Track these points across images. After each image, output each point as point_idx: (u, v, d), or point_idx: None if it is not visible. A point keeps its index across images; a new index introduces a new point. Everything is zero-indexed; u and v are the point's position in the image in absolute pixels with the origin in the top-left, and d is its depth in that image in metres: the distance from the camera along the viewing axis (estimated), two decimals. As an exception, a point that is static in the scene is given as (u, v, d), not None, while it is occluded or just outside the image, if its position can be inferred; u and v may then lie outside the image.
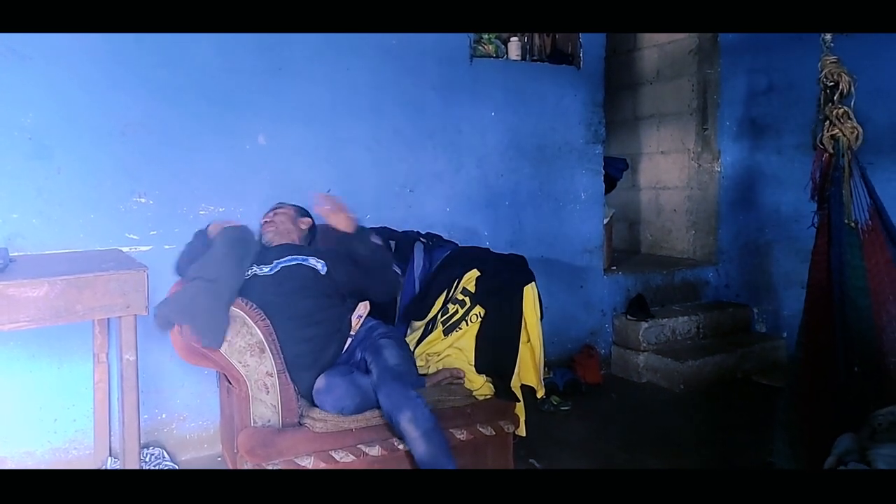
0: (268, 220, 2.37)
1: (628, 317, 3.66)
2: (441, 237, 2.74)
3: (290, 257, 2.19)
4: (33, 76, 2.27)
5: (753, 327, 3.92)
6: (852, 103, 1.96)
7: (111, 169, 2.41)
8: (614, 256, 4.02)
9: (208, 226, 2.24)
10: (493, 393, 2.24)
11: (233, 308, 1.92)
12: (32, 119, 2.27)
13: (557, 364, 3.44)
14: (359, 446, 1.99)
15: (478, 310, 2.28)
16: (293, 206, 2.45)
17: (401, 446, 2.02)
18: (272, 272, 2.13)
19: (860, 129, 1.95)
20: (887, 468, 1.37)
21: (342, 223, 2.24)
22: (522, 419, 2.33)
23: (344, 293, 2.24)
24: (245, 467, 1.96)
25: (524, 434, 2.36)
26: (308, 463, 1.93)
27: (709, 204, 4.18)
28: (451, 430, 2.09)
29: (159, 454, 2.44)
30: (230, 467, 2.27)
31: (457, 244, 2.69)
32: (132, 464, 1.86)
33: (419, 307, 2.44)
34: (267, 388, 1.95)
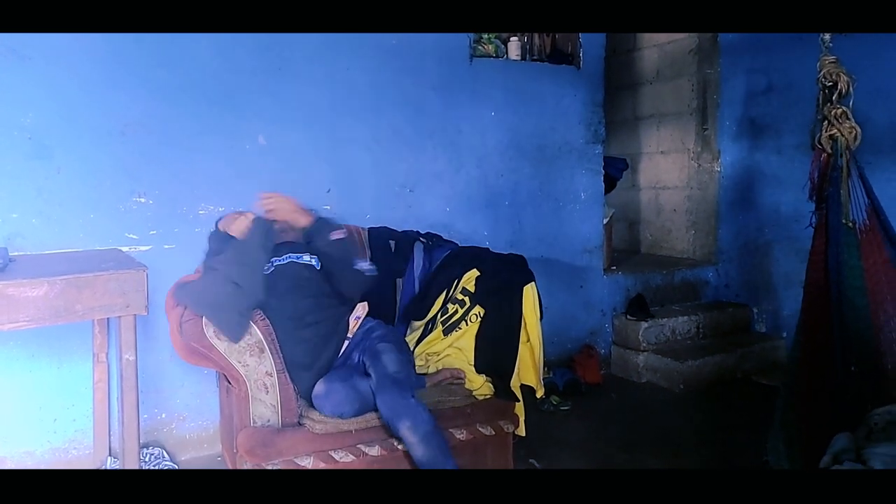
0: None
1: (628, 317, 3.66)
2: (441, 237, 2.74)
3: (285, 256, 2.19)
4: (33, 76, 2.27)
5: (753, 327, 3.92)
6: (851, 103, 1.96)
7: (111, 169, 2.41)
8: (614, 256, 4.02)
9: (219, 220, 2.20)
10: (492, 393, 2.25)
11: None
12: (32, 119, 2.27)
13: (557, 364, 3.44)
14: (358, 446, 1.99)
15: (477, 310, 2.29)
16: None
17: (400, 446, 2.02)
18: (267, 271, 2.13)
19: (858, 129, 1.95)
20: (883, 468, 1.37)
21: (295, 217, 2.16)
22: (522, 419, 2.33)
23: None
24: (245, 467, 1.96)
25: (524, 434, 2.36)
26: (308, 463, 1.93)
27: (708, 204, 4.18)
28: (450, 430, 2.09)
29: (159, 454, 2.44)
30: (230, 467, 2.27)
31: (457, 244, 2.69)
32: (132, 464, 1.86)
33: (419, 307, 2.44)
34: (266, 388, 1.95)
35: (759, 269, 3.86)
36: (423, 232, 2.75)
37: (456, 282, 2.36)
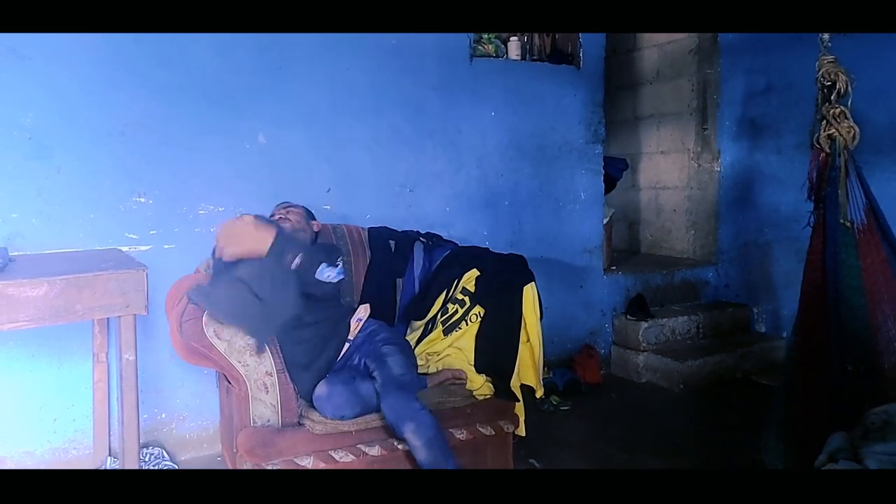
0: (281, 216, 2.30)
1: (628, 317, 3.66)
2: (441, 237, 2.74)
3: None
4: (33, 76, 2.27)
5: (753, 327, 3.92)
6: (849, 103, 1.97)
7: (111, 169, 2.41)
8: (614, 256, 4.02)
9: (214, 249, 1.98)
10: (492, 393, 2.25)
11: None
12: (32, 119, 2.27)
13: (557, 364, 3.44)
14: (358, 446, 1.99)
15: (477, 309, 2.29)
16: (302, 207, 2.39)
17: (400, 446, 2.03)
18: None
19: (857, 129, 1.95)
20: (878, 467, 1.38)
21: (251, 251, 1.86)
22: (522, 419, 2.33)
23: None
24: (244, 467, 1.96)
25: (524, 434, 2.36)
26: (308, 463, 1.93)
27: (708, 204, 4.18)
28: (450, 430, 2.10)
29: (159, 454, 2.44)
30: (230, 467, 2.27)
31: (456, 244, 2.69)
32: (131, 463, 1.86)
33: (419, 307, 2.44)
34: (266, 388, 1.95)
35: (759, 269, 3.87)
36: (423, 232, 2.75)
37: (456, 282, 2.36)
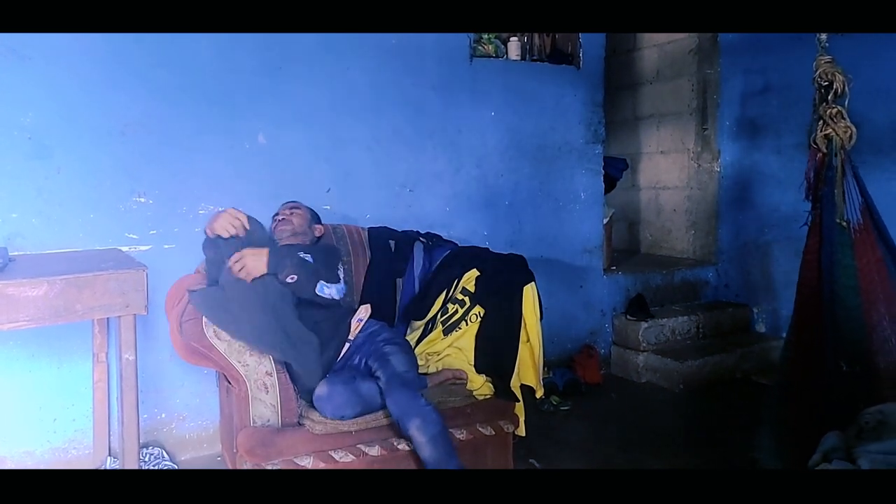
0: (284, 217, 2.31)
1: (628, 317, 3.66)
2: (441, 237, 2.74)
3: None
4: (33, 76, 2.27)
5: (753, 327, 3.92)
6: (846, 103, 1.97)
7: (111, 168, 2.41)
8: (614, 256, 4.02)
9: (206, 228, 2.04)
10: (492, 393, 2.25)
11: (232, 308, 1.91)
12: (32, 119, 2.27)
13: (557, 364, 3.44)
14: (358, 446, 1.99)
15: (477, 309, 2.29)
16: (309, 209, 2.39)
17: (400, 446, 2.03)
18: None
19: (853, 129, 1.96)
20: (871, 467, 1.38)
21: (252, 270, 1.92)
22: (522, 419, 2.33)
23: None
24: (244, 467, 1.96)
25: (524, 434, 2.36)
26: (307, 463, 1.93)
27: (708, 204, 4.18)
28: (451, 430, 2.09)
29: (158, 454, 2.44)
30: (230, 467, 2.27)
31: (456, 244, 2.69)
32: (131, 463, 1.86)
33: (419, 307, 2.44)
34: (266, 388, 1.95)
35: (759, 269, 3.87)
36: (423, 232, 2.75)
37: (456, 282, 2.36)
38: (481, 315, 2.28)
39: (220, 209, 2.03)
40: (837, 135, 1.95)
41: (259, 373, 1.93)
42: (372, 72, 2.92)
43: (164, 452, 2.46)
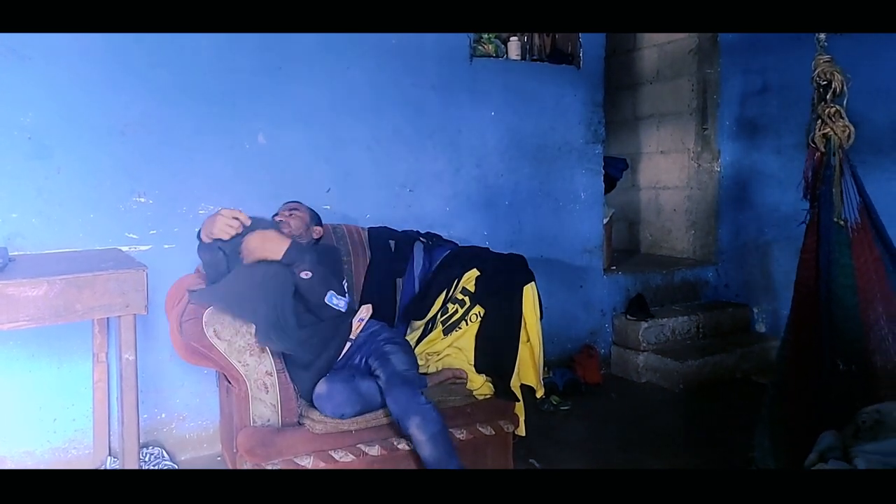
0: (282, 219, 2.29)
1: (628, 317, 3.66)
2: (441, 237, 2.74)
3: None
4: (33, 76, 2.27)
5: (753, 327, 3.92)
6: (845, 102, 1.97)
7: (111, 168, 2.41)
8: (614, 256, 4.02)
9: (199, 231, 2.00)
10: (492, 392, 2.25)
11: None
12: (32, 119, 2.27)
13: (557, 364, 3.44)
14: (358, 446, 1.99)
15: (477, 309, 2.29)
16: (309, 210, 2.38)
17: (400, 446, 2.03)
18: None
19: (852, 128, 1.96)
20: (867, 467, 1.38)
21: (267, 254, 1.95)
22: (522, 419, 2.33)
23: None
24: (244, 467, 1.96)
25: (524, 434, 2.36)
26: (307, 462, 1.93)
27: (708, 204, 4.18)
28: (451, 430, 2.09)
29: (158, 454, 2.44)
30: (230, 467, 2.27)
31: (456, 244, 2.69)
32: (131, 463, 1.86)
33: (419, 307, 2.44)
34: (266, 388, 1.95)
35: (759, 268, 3.86)
36: (423, 232, 2.75)
37: (456, 281, 2.36)
38: (481, 315, 2.28)
39: (219, 209, 2.00)
40: (836, 134, 1.95)
41: (259, 372, 1.93)
42: (372, 72, 2.92)
43: (164, 452, 2.46)
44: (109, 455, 2.38)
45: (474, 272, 2.34)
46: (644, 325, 3.57)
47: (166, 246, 2.50)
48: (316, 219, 2.38)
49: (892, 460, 1.39)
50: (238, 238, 1.94)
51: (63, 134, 2.32)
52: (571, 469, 2.41)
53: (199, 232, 1.98)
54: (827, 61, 1.97)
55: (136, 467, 1.88)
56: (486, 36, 3.34)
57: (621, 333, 3.69)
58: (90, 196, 2.38)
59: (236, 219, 1.90)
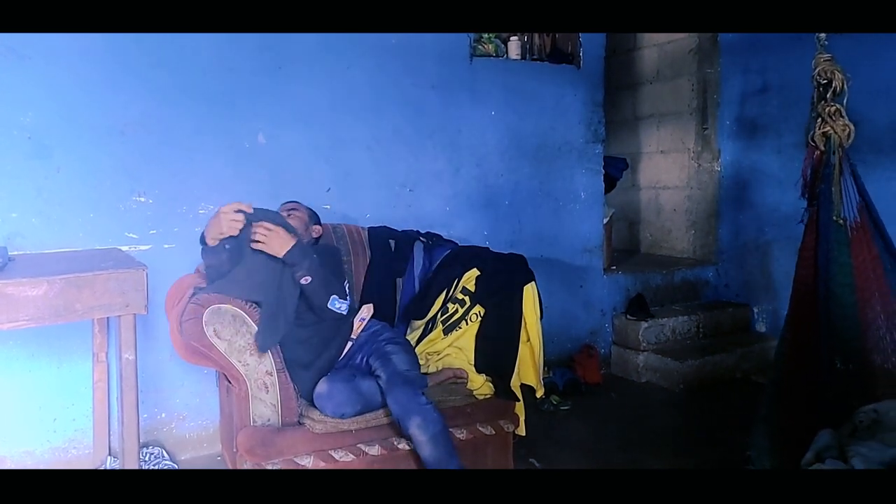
0: None
1: (628, 316, 3.66)
2: (441, 236, 2.74)
3: None
4: (33, 76, 2.27)
5: (753, 327, 3.92)
6: (845, 101, 1.97)
7: (111, 168, 2.41)
8: (614, 256, 4.02)
9: (202, 236, 1.95)
10: (492, 392, 2.25)
11: (233, 307, 1.91)
12: (32, 118, 2.27)
13: (557, 364, 3.44)
14: (358, 445, 1.99)
15: (478, 309, 2.29)
16: (308, 209, 2.36)
17: (400, 445, 2.03)
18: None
19: (852, 127, 1.96)
20: (864, 467, 1.38)
21: (275, 249, 1.94)
22: (522, 418, 2.33)
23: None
24: (244, 467, 1.96)
25: (524, 433, 2.36)
26: (308, 462, 1.93)
27: (708, 203, 4.18)
28: (451, 430, 2.09)
29: (158, 453, 2.44)
30: (230, 467, 2.27)
31: (456, 243, 2.69)
32: (131, 463, 1.86)
33: (419, 306, 2.44)
34: (266, 388, 1.95)
35: (759, 268, 3.86)
36: (423, 231, 2.75)
37: (456, 281, 2.36)
38: (481, 314, 2.28)
39: (218, 209, 1.97)
40: (836, 133, 1.95)
41: (259, 372, 1.93)
42: (372, 72, 2.92)
43: (164, 452, 2.46)
44: (109, 455, 2.38)
45: (474, 272, 2.34)
46: (644, 324, 3.57)
47: (166, 246, 2.50)
48: (315, 218, 2.37)
49: (889, 460, 1.39)
50: (246, 229, 1.91)
51: (63, 134, 2.32)
52: (571, 469, 2.41)
53: (203, 237, 1.93)
54: (827, 60, 1.97)
55: (136, 467, 1.88)
56: (486, 36, 3.34)
57: (621, 333, 3.69)
58: (90, 196, 2.38)
59: (239, 211, 1.88)
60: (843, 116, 1.96)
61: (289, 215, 2.27)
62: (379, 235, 2.67)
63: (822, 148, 1.99)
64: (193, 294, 1.92)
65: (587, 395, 3.26)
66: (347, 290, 2.16)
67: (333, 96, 2.84)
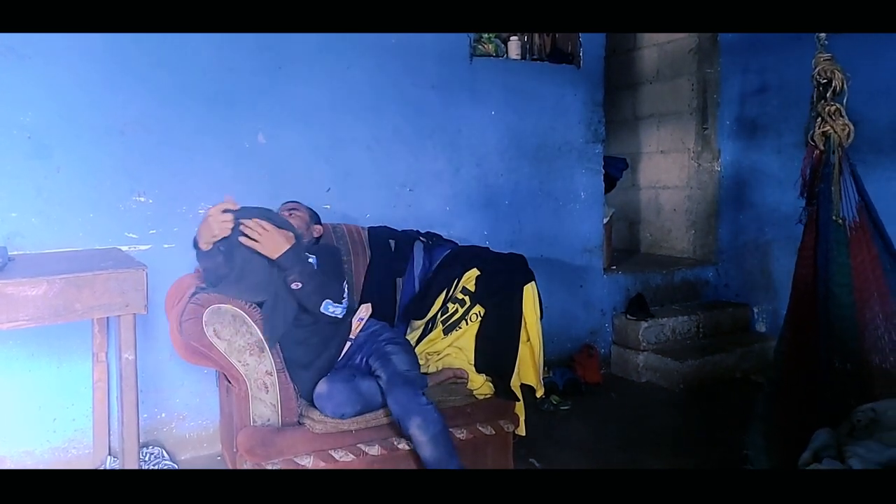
0: None
1: (628, 316, 3.66)
2: (441, 236, 2.74)
3: None
4: (32, 76, 2.27)
5: (753, 327, 3.92)
6: (845, 101, 1.97)
7: (110, 168, 2.41)
8: (614, 256, 4.02)
9: (195, 241, 1.94)
10: (492, 392, 2.25)
11: (232, 307, 1.91)
12: (31, 118, 2.27)
13: (557, 363, 3.44)
14: (358, 446, 1.99)
15: (478, 309, 2.29)
16: (308, 209, 2.36)
17: (400, 445, 2.03)
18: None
19: (851, 127, 1.96)
20: (861, 467, 1.38)
21: (270, 250, 1.94)
22: (522, 418, 2.33)
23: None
24: (244, 467, 1.96)
25: (524, 433, 2.36)
26: (308, 462, 1.93)
27: (708, 203, 4.18)
28: (451, 430, 2.09)
29: (158, 453, 2.44)
30: (230, 467, 2.27)
31: (456, 243, 2.69)
32: (131, 463, 1.86)
33: (419, 306, 2.44)
34: (266, 388, 1.95)
35: (759, 268, 3.86)
36: (423, 231, 2.75)
37: (456, 281, 2.36)
38: (481, 314, 2.28)
39: (206, 212, 1.90)
40: (835, 132, 1.95)
41: (259, 372, 1.93)
42: (372, 72, 2.92)
43: (164, 452, 2.46)
44: (109, 455, 2.38)
45: (474, 272, 2.34)
46: (644, 324, 3.57)
47: (166, 245, 2.50)
48: (315, 218, 2.37)
49: (886, 460, 1.39)
50: (236, 227, 1.91)
51: (62, 133, 2.32)
52: (571, 469, 2.41)
53: (196, 242, 1.92)
54: (827, 59, 1.97)
55: (136, 467, 1.88)
56: (486, 36, 3.34)
57: (621, 333, 3.69)
58: (90, 195, 2.38)
59: (227, 211, 1.88)
60: (842, 116, 1.96)
61: (290, 215, 2.27)
62: (379, 235, 2.67)
63: (822, 147, 1.99)
64: (193, 294, 1.92)
65: (587, 394, 3.26)
66: (347, 291, 2.16)
67: (333, 96, 2.84)
